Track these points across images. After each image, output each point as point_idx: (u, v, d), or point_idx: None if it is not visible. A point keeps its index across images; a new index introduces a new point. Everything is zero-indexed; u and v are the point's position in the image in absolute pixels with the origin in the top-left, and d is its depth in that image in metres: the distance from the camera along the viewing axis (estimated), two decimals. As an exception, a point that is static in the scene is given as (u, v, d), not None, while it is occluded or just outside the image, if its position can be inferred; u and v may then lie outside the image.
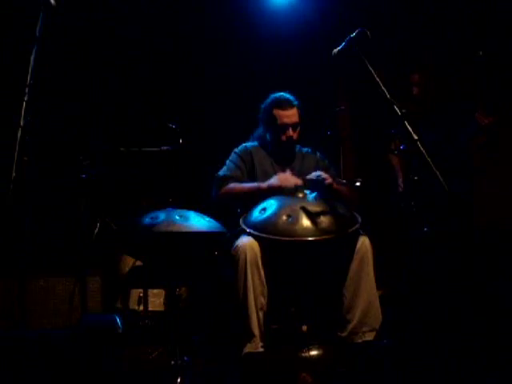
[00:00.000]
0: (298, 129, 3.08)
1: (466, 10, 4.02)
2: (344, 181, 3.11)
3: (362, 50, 2.40)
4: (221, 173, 3.06)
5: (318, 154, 3.23)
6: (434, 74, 3.84)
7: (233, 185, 2.98)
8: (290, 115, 3.04)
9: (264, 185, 2.91)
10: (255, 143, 3.20)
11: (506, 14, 3.87)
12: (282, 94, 3.11)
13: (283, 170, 3.04)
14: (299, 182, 2.90)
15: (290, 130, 3.04)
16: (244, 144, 3.20)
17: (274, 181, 2.90)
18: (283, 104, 3.05)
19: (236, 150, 3.16)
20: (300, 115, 3.07)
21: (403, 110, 2.31)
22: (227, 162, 3.12)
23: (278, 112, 3.05)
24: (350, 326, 2.72)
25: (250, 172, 3.07)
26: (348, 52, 2.46)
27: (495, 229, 3.66)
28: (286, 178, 2.91)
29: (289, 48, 4.25)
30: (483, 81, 3.84)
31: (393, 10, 4.17)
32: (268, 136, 3.14)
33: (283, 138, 3.05)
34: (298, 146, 3.22)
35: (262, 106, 3.14)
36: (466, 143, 3.69)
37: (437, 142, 3.54)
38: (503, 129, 3.78)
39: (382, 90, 2.33)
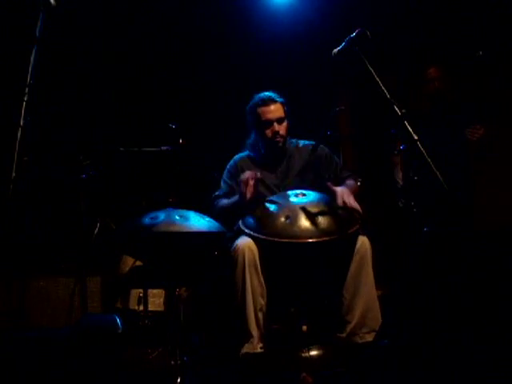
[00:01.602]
0: (285, 123, 3.09)
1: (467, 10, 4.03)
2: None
3: (362, 49, 2.40)
4: (214, 193, 3.14)
5: (319, 145, 3.19)
6: (449, 70, 3.83)
7: (220, 203, 3.06)
8: (274, 110, 3.06)
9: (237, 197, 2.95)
10: (245, 153, 3.23)
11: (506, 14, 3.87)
12: (264, 92, 3.13)
13: (271, 173, 3.09)
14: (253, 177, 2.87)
15: (275, 124, 3.06)
16: (234, 157, 3.23)
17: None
18: (266, 101, 3.08)
19: (228, 165, 3.21)
20: (285, 111, 3.09)
21: (403, 110, 2.30)
22: (221, 180, 3.19)
23: (261, 109, 3.08)
24: (349, 327, 2.71)
25: None
26: (348, 52, 2.45)
27: (495, 229, 3.65)
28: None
29: (289, 48, 4.25)
30: (483, 81, 3.84)
31: (393, 9, 4.17)
32: (258, 138, 3.15)
33: (269, 133, 3.06)
34: (293, 141, 3.22)
35: (247, 109, 3.16)
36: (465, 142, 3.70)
37: (443, 141, 3.55)
38: (503, 129, 3.78)
39: (382, 89, 2.33)
